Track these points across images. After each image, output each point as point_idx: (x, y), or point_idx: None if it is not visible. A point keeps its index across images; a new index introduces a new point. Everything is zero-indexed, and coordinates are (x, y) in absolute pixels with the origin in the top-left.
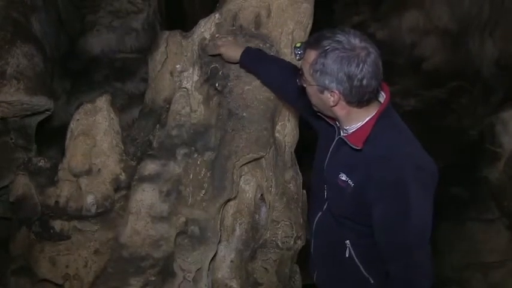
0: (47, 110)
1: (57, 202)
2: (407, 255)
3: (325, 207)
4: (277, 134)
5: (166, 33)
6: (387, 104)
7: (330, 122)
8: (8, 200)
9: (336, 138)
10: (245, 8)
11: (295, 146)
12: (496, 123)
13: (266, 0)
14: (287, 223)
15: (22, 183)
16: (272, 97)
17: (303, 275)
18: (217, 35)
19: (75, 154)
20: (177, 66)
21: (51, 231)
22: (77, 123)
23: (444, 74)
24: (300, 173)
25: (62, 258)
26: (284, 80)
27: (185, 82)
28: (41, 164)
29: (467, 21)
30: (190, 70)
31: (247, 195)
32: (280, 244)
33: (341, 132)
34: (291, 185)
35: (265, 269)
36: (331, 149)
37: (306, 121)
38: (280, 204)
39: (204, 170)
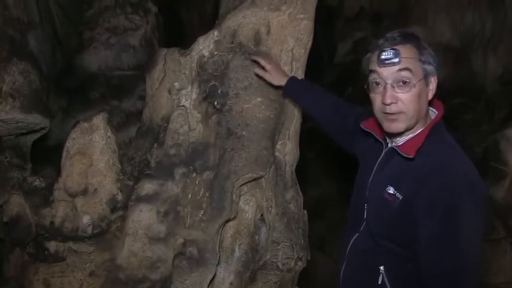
0: (42, 128)
1: (52, 222)
2: (453, 282)
3: (362, 227)
4: (277, 153)
5: (165, 50)
6: (440, 118)
7: (378, 137)
8: (1, 220)
9: (385, 150)
10: (244, 25)
11: (295, 165)
12: (500, 140)
13: (266, 17)
14: (287, 244)
15: (16, 203)
16: (272, 115)
17: None
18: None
19: (71, 173)
20: (175, 84)
21: (46, 252)
22: (73, 142)
23: (447, 90)
24: (300, 193)
25: (57, 280)
26: (328, 110)
27: (183, 100)
28: (36, 183)
29: (470, 38)
30: (189, 88)
31: (247, 215)
32: (280, 266)
33: (388, 144)
34: (291, 205)
35: None
36: (378, 163)
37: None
38: (281, 224)
39: (202, 189)
